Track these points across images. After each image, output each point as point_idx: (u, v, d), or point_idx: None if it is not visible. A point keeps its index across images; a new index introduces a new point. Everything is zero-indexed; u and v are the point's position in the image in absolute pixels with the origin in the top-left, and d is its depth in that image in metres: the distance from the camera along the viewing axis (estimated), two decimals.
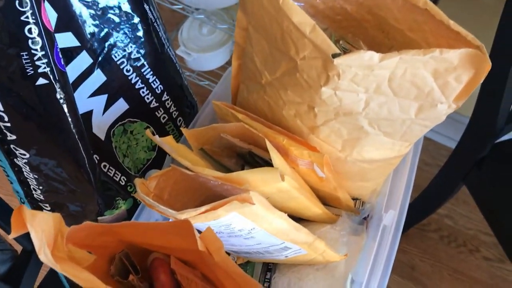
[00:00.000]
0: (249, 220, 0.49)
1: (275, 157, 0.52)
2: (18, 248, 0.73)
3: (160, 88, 0.64)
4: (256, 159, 0.61)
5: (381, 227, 0.58)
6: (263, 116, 0.59)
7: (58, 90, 0.46)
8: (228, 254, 0.67)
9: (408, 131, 0.53)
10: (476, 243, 1.25)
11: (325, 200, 0.65)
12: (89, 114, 0.57)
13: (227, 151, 0.63)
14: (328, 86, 0.47)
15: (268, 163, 0.61)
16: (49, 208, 0.55)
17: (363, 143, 0.54)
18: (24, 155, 0.50)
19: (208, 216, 0.48)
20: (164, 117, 0.66)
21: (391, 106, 0.49)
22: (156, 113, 0.65)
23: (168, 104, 0.66)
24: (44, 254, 0.37)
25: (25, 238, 0.69)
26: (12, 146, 0.49)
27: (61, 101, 0.47)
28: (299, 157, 0.55)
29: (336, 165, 0.58)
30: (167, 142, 0.55)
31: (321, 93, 0.48)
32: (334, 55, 0.44)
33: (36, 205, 0.55)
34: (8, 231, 0.67)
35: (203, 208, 0.48)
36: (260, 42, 0.53)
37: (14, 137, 0.48)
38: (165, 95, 0.65)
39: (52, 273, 0.73)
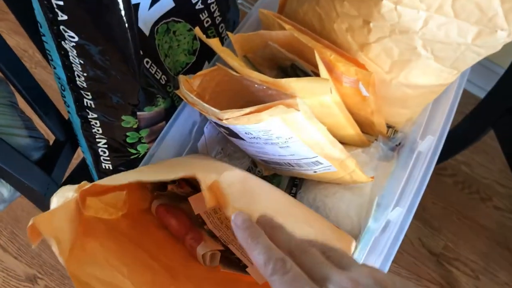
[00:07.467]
0: (289, 129, 0.50)
1: (323, 70, 0.51)
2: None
3: None
4: (298, 73, 0.60)
5: (415, 154, 0.58)
6: (311, 30, 0.58)
7: None
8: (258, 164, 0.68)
9: (461, 57, 0.51)
10: (489, 192, 1.25)
11: (358, 125, 0.65)
12: (136, 6, 0.55)
13: (268, 62, 0.62)
14: None
15: None
16: (90, 97, 0.55)
17: (412, 66, 0.53)
18: (73, 37, 0.49)
19: (251, 119, 0.48)
20: (207, 21, 0.65)
21: (449, 28, 0.48)
22: (201, 15, 0.63)
23: (213, 8, 0.64)
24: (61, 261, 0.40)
25: (58, 129, 0.70)
26: (62, 27, 0.49)
27: None
28: (345, 74, 0.54)
29: (379, 88, 0.57)
30: (213, 44, 0.54)
31: (381, 6, 0.47)
32: None
33: (77, 93, 0.55)
34: (43, 119, 0.68)
35: (247, 110, 0.48)
36: None
37: (65, 17, 0.47)
38: None
39: (82, 164, 0.74)
